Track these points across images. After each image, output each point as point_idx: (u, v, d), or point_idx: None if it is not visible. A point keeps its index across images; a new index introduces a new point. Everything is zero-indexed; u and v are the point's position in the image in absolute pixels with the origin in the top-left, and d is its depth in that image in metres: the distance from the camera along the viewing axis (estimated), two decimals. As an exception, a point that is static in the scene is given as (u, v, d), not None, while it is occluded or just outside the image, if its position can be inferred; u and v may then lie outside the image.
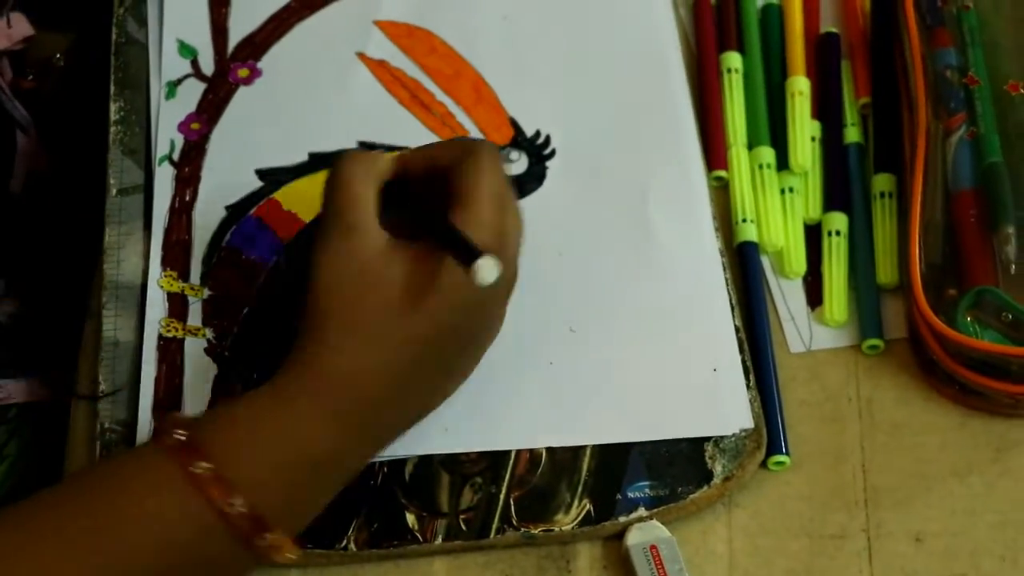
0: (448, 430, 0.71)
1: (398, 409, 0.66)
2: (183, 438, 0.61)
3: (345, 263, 0.64)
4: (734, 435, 0.71)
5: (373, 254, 0.64)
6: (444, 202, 0.65)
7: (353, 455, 0.65)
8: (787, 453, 0.71)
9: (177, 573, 0.61)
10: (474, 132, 0.81)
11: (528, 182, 0.79)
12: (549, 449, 0.71)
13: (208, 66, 0.83)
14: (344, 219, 0.65)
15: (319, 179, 0.79)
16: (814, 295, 0.77)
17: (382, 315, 0.63)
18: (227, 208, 0.78)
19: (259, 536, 0.61)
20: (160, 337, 0.73)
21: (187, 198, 0.79)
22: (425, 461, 0.71)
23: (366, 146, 0.80)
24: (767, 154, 0.80)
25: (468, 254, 0.62)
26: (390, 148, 0.80)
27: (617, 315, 0.74)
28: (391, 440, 0.67)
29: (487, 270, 0.61)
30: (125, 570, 0.60)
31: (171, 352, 0.73)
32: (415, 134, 0.80)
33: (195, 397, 0.72)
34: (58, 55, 0.85)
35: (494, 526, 0.69)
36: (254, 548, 0.61)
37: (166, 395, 0.72)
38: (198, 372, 0.73)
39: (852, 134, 0.81)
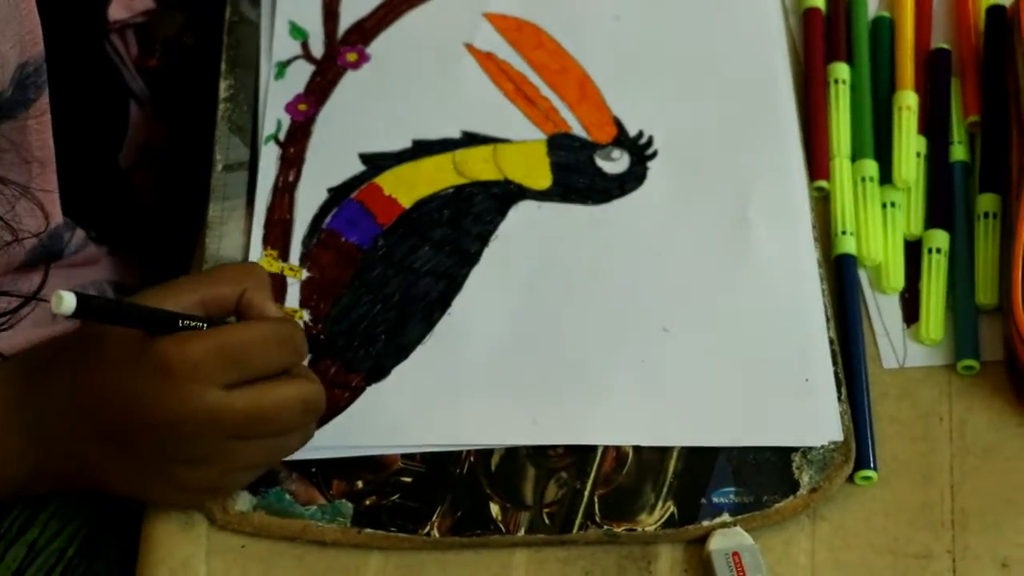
0: (536, 422, 0.71)
1: (79, 452, 0.67)
2: None
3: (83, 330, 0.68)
4: (823, 447, 0.71)
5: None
6: None
7: (26, 461, 0.67)
8: (875, 468, 0.71)
9: None
10: (577, 128, 0.81)
11: (628, 181, 0.79)
12: (636, 448, 0.71)
13: (318, 49, 0.84)
14: (174, 286, 0.68)
15: (422, 165, 0.80)
16: (910, 312, 0.76)
17: (70, 373, 0.67)
18: (329, 191, 0.79)
19: None
20: (258, 317, 0.74)
21: (290, 178, 0.79)
22: (512, 453, 0.71)
23: (469, 136, 0.81)
24: (870, 167, 0.80)
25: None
26: (493, 140, 0.80)
27: (711, 318, 0.74)
28: (80, 484, 0.69)
29: (58, 298, 0.60)
30: None
31: (267, 331, 0.74)
32: (519, 127, 0.81)
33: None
34: (187, 36, 0.86)
35: (577, 522, 0.69)
36: None
37: (261, 372, 0.73)
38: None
39: (958, 152, 0.80)
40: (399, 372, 0.73)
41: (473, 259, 0.76)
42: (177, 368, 0.63)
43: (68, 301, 0.60)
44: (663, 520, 0.69)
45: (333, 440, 0.71)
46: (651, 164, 0.80)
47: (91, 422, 0.66)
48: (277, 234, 0.78)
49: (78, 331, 0.68)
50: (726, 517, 0.69)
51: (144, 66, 0.85)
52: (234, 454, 0.66)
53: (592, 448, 0.71)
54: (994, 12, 0.83)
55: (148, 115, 0.85)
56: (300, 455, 0.70)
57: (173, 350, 0.63)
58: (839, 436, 0.71)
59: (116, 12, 0.82)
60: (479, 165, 0.80)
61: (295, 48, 0.84)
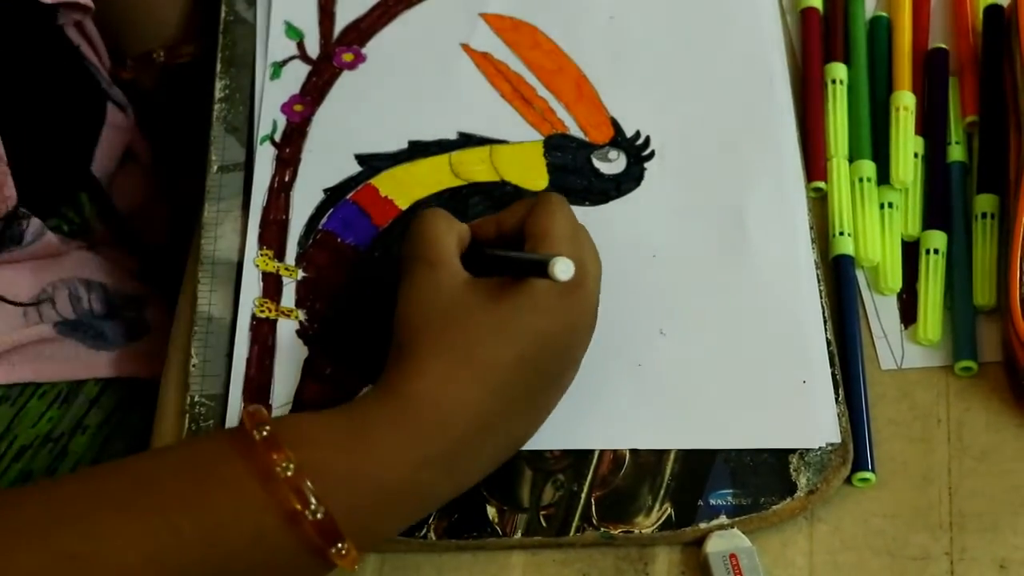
0: (533, 425, 0.71)
1: (485, 439, 0.65)
2: (265, 434, 0.61)
3: (430, 294, 0.65)
4: (820, 449, 0.71)
5: (457, 284, 0.65)
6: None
7: (433, 486, 0.64)
8: (873, 470, 0.71)
9: (233, 569, 0.60)
10: (574, 129, 0.81)
11: (625, 182, 0.79)
12: (633, 451, 0.71)
13: (313, 49, 0.84)
14: (429, 256, 0.66)
15: (418, 167, 0.80)
16: (908, 313, 0.76)
17: (469, 340, 0.64)
18: (325, 191, 0.79)
19: (331, 545, 0.60)
20: (253, 317, 0.74)
21: (286, 178, 0.79)
22: (508, 455, 0.71)
23: (466, 137, 0.80)
24: (868, 168, 0.79)
25: (541, 265, 0.63)
26: (490, 141, 0.80)
27: (708, 320, 0.74)
28: (479, 473, 0.66)
29: (562, 266, 0.62)
30: (181, 556, 0.59)
31: (263, 333, 0.74)
32: (515, 128, 0.80)
33: (285, 379, 0.72)
34: (160, 52, 0.85)
35: (574, 524, 0.69)
36: (323, 556, 0.61)
37: (257, 374, 0.73)
38: (289, 354, 0.73)
39: (956, 152, 0.80)
40: (395, 374, 0.73)
41: (470, 260, 0.76)
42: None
43: (569, 268, 0.62)
44: (660, 522, 0.69)
45: (329, 443, 0.71)
46: (648, 165, 0.80)
47: (526, 387, 0.65)
48: (273, 234, 0.77)
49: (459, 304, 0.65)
50: (723, 519, 0.69)
51: (119, 78, 0.85)
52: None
53: (589, 450, 0.71)
54: (992, 12, 0.83)
55: (130, 121, 0.84)
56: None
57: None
58: (837, 438, 0.71)
59: None
60: (475, 166, 0.79)
61: (291, 48, 0.84)
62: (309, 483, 0.60)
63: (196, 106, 0.82)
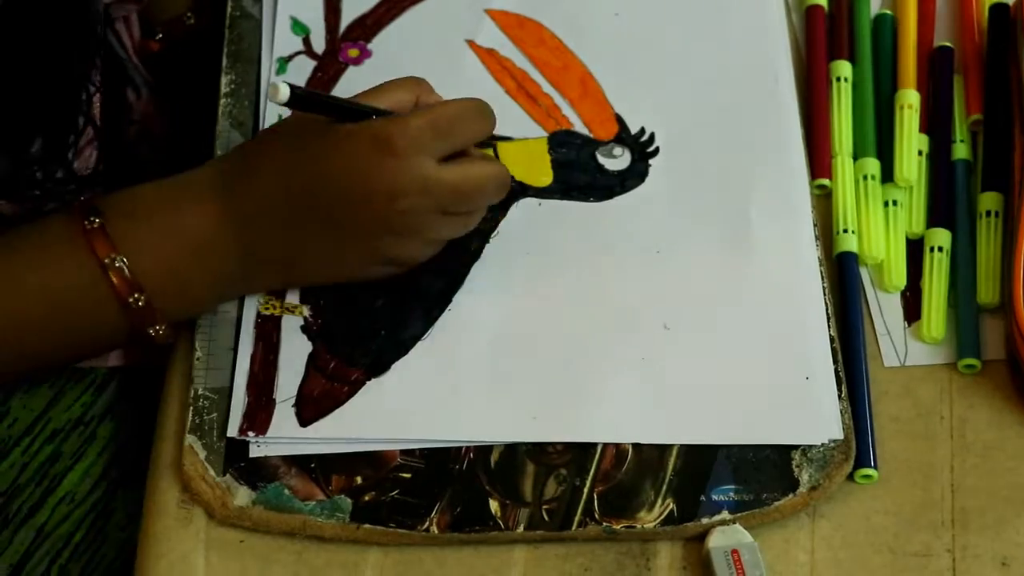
0: (537, 419, 0.71)
1: (277, 233, 0.71)
2: (82, 199, 0.70)
3: (279, 124, 0.74)
4: (823, 445, 0.71)
5: (298, 117, 0.72)
6: None
7: (229, 252, 0.71)
8: (875, 467, 0.71)
9: (63, 319, 0.70)
10: (578, 125, 0.81)
11: (630, 178, 0.79)
12: (636, 446, 0.71)
13: (319, 44, 0.84)
14: (360, 96, 0.73)
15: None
16: (912, 310, 0.76)
17: (282, 147, 0.71)
18: (330, 186, 0.79)
19: (131, 295, 0.69)
20: (258, 315, 0.74)
21: (291, 173, 0.79)
22: (511, 449, 0.71)
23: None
24: (872, 165, 0.80)
25: (355, 112, 0.70)
26: (495, 137, 0.80)
27: (712, 316, 0.74)
28: (270, 270, 0.72)
29: (277, 87, 0.67)
30: (19, 307, 0.69)
31: (268, 330, 0.74)
32: (520, 124, 0.81)
33: (289, 374, 0.73)
34: (188, 14, 0.86)
35: (576, 519, 0.69)
36: (127, 308, 0.69)
37: (261, 370, 0.73)
38: (294, 350, 0.73)
39: (960, 151, 0.80)
40: (399, 367, 0.73)
41: (474, 255, 0.76)
42: (398, 142, 0.69)
43: (284, 91, 0.67)
44: (662, 517, 0.69)
45: (332, 434, 0.71)
46: (652, 161, 0.80)
47: (302, 204, 0.70)
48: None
49: (286, 124, 0.73)
50: (726, 515, 0.69)
51: (147, 51, 0.85)
52: (435, 227, 0.71)
53: (592, 445, 0.71)
54: (997, 10, 0.83)
55: (146, 103, 0.85)
56: (299, 450, 0.70)
57: (393, 127, 0.69)
58: (839, 434, 0.71)
59: None
60: (480, 162, 0.79)
61: (296, 44, 0.84)
62: (110, 233, 0.69)
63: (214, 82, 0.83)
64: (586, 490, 0.70)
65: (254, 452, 0.71)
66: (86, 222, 0.69)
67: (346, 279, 0.73)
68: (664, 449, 0.71)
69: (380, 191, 0.69)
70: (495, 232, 0.77)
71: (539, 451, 0.71)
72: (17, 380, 0.76)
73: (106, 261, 0.69)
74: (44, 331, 0.71)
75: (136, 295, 0.69)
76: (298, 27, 0.84)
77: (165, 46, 0.86)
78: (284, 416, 0.71)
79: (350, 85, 0.82)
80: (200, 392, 0.73)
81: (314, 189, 0.70)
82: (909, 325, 0.76)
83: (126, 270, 0.69)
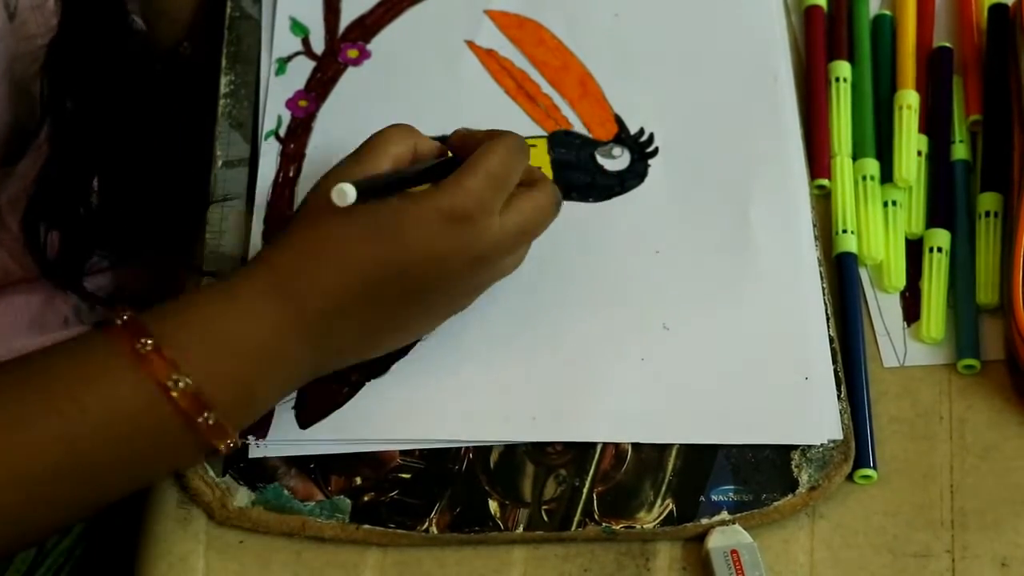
0: (536, 419, 0.71)
1: (344, 323, 0.68)
2: (125, 318, 0.65)
3: (320, 205, 0.68)
4: (822, 445, 0.71)
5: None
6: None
7: (298, 356, 0.67)
8: (874, 467, 0.71)
9: (125, 450, 0.64)
10: (578, 126, 0.81)
11: (629, 178, 0.79)
12: (635, 446, 0.71)
13: (319, 45, 0.84)
14: (354, 158, 0.70)
15: (422, 163, 0.80)
16: (911, 311, 0.76)
17: (347, 238, 0.68)
18: (329, 186, 0.79)
19: (200, 415, 0.64)
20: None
21: (291, 174, 0.79)
22: (510, 450, 0.71)
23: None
24: (871, 166, 0.80)
25: (409, 179, 0.68)
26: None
27: (711, 316, 0.74)
28: (339, 355, 0.69)
29: (337, 190, 0.64)
30: (74, 443, 0.63)
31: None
32: (520, 124, 0.81)
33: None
34: (185, 44, 0.85)
35: (576, 519, 0.69)
36: (195, 428, 0.64)
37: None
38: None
39: (959, 151, 0.80)
40: (398, 368, 0.73)
41: (473, 256, 0.76)
42: (468, 210, 0.67)
43: (351, 193, 0.64)
44: (662, 518, 0.69)
45: (332, 435, 0.71)
46: (652, 161, 0.80)
47: (378, 293, 0.68)
48: (278, 229, 0.77)
49: (332, 208, 0.66)
50: (725, 515, 0.69)
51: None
52: (511, 265, 0.72)
53: (591, 445, 0.71)
54: (996, 10, 0.83)
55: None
56: (298, 451, 0.70)
57: (457, 197, 0.68)
58: (839, 435, 0.71)
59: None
60: (480, 162, 0.79)
61: (296, 44, 0.84)
62: (167, 354, 0.64)
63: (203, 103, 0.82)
64: (585, 490, 0.70)
65: (254, 453, 0.71)
66: (137, 344, 0.64)
67: (425, 334, 0.73)
68: (663, 449, 0.71)
69: (463, 261, 0.68)
70: (495, 232, 0.77)
71: (539, 451, 0.71)
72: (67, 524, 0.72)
73: (168, 383, 0.64)
74: (97, 465, 0.65)
75: (206, 414, 0.64)
76: (297, 28, 0.84)
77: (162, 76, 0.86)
78: (284, 418, 0.71)
79: (349, 88, 0.82)
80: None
81: (391, 276, 0.68)
82: (908, 325, 0.76)
83: (191, 390, 0.64)
